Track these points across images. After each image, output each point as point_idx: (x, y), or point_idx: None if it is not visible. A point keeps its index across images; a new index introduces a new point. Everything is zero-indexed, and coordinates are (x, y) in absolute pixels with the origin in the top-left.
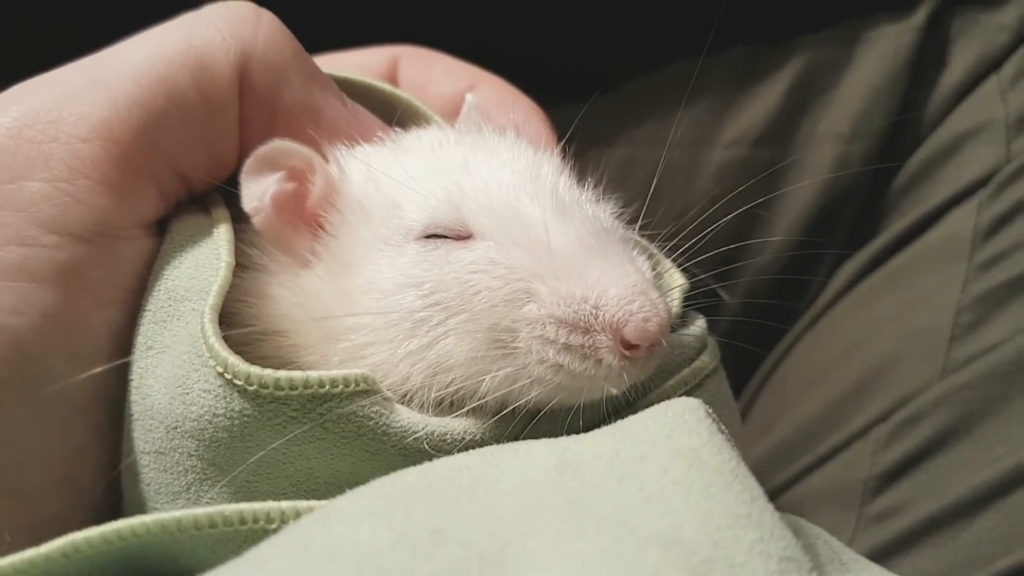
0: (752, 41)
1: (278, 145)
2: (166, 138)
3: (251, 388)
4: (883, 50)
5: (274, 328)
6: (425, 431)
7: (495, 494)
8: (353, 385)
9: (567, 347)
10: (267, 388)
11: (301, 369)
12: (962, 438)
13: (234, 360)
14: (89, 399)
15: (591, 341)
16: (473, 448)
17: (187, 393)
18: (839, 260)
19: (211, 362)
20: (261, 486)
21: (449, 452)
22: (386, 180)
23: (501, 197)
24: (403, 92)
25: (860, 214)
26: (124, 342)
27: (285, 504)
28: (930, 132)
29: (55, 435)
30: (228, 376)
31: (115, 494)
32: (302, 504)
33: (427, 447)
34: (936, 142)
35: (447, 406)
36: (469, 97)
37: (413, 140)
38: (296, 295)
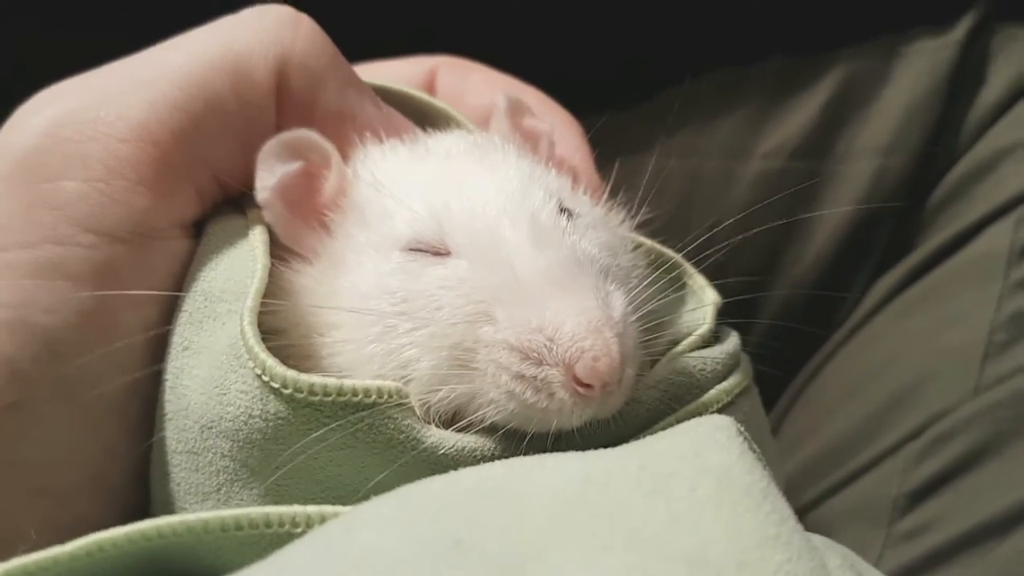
0: (789, 53)
1: (302, 135)
2: (204, 141)
3: (286, 392)
4: (922, 65)
5: (282, 325)
6: (455, 447)
7: (520, 505)
8: (386, 396)
9: (520, 376)
10: (301, 393)
11: (320, 368)
12: (993, 457)
13: (272, 363)
14: (122, 398)
15: (543, 374)
16: None
17: (224, 394)
18: (875, 275)
19: (250, 364)
20: (290, 490)
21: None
22: (385, 189)
23: (482, 218)
24: (438, 101)
25: (896, 229)
26: (159, 341)
27: (311, 508)
28: (968, 148)
29: (87, 434)
30: (265, 379)
31: (143, 495)
32: (328, 509)
33: (455, 463)
34: (974, 159)
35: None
36: (501, 99)
37: (431, 144)
38: (299, 289)
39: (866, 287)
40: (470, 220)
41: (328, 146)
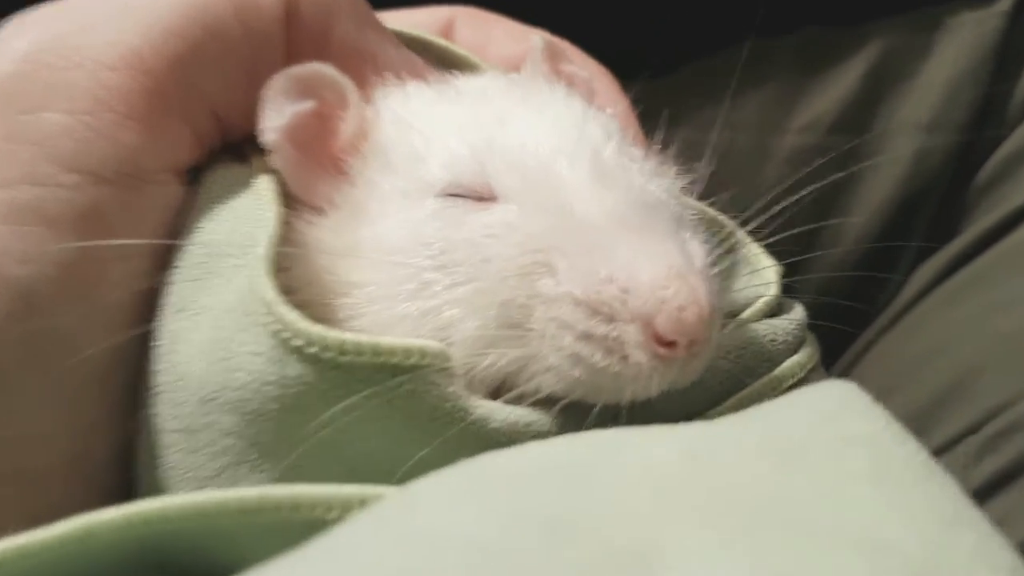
0: (822, 23)
1: (316, 69)
2: (203, 73)
3: (311, 351)
4: (966, 37)
5: (293, 285)
6: (506, 421)
7: (612, 482)
8: (430, 359)
9: (587, 336)
10: (330, 352)
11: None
12: None
13: (293, 317)
14: (105, 367)
15: (616, 332)
16: None
17: (230, 358)
18: (917, 259)
19: (266, 319)
20: (308, 472)
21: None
22: (414, 129)
23: (534, 157)
24: (460, 48)
25: (941, 210)
26: (148, 302)
27: (349, 489)
28: (1016, 125)
29: (65, 407)
30: (285, 336)
31: (127, 481)
32: (369, 490)
33: (507, 440)
34: (1022, 137)
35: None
36: (537, 39)
37: (460, 85)
38: (311, 244)
39: (909, 271)
40: (520, 159)
41: (346, 82)
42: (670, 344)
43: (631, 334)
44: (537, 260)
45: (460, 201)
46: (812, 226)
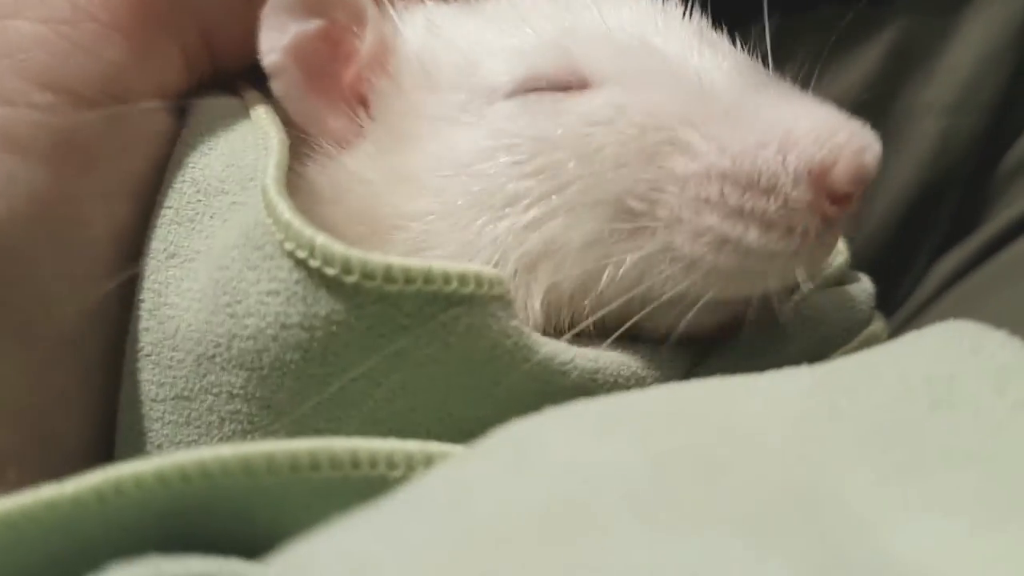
0: (842, 1)
1: None
2: None
3: (350, 280)
4: (993, 15)
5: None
6: (574, 362)
7: (744, 422)
8: (488, 286)
9: (739, 212)
10: (373, 280)
11: None
12: None
13: (325, 239)
14: (80, 327)
15: (781, 200)
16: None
17: (238, 302)
18: (939, 249)
19: (287, 246)
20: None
21: (599, 393)
22: (457, 35)
23: (625, 33)
24: None
25: (964, 198)
26: (132, 248)
27: (412, 444)
28: None
29: (32, 374)
30: (315, 264)
31: (107, 462)
32: (434, 447)
33: (578, 388)
34: None
35: (551, 323)
36: None
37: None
38: (333, 185)
39: (929, 264)
40: (611, 38)
41: None
42: (843, 198)
43: (799, 198)
44: (662, 139)
45: (543, 95)
46: None
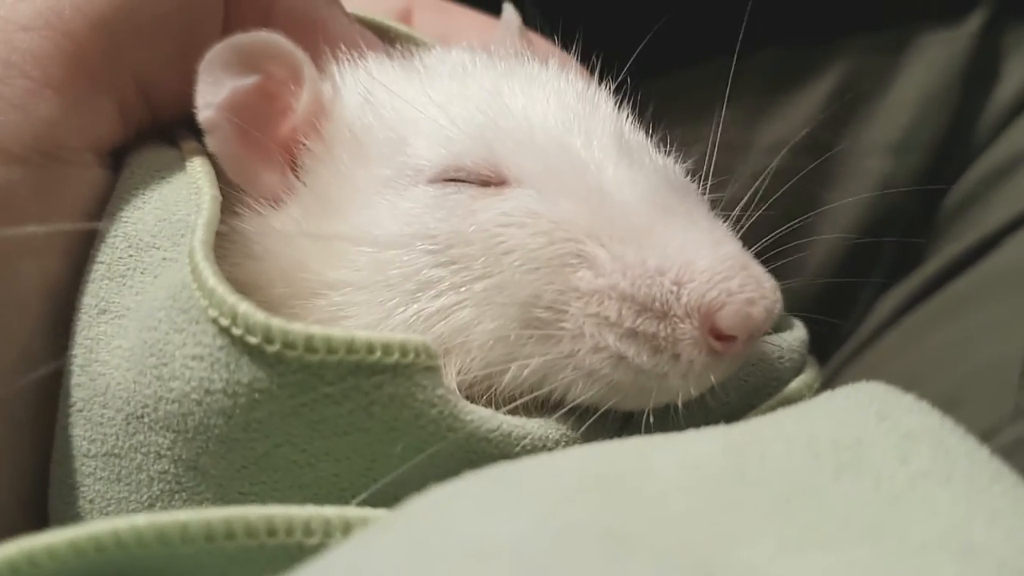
0: (788, 43)
1: (264, 38)
2: (132, 40)
3: (271, 348)
4: (935, 56)
5: (251, 282)
6: (501, 430)
7: (654, 489)
8: (413, 355)
9: (633, 334)
10: (295, 349)
11: None
12: None
13: (247, 308)
14: (11, 382)
15: (669, 329)
16: None
17: (164, 364)
18: (882, 286)
19: (210, 312)
20: (261, 503)
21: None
22: (390, 107)
23: (547, 135)
24: (422, 34)
25: (908, 234)
26: (63, 304)
27: (331, 511)
28: (985, 148)
29: None
30: (237, 332)
31: (39, 520)
32: (353, 512)
33: (503, 453)
34: (992, 159)
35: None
36: (508, 8)
37: (429, 61)
38: (261, 243)
39: (873, 299)
40: (532, 138)
41: (299, 53)
42: (728, 339)
43: (686, 330)
44: (569, 250)
45: (462, 187)
46: (777, 249)
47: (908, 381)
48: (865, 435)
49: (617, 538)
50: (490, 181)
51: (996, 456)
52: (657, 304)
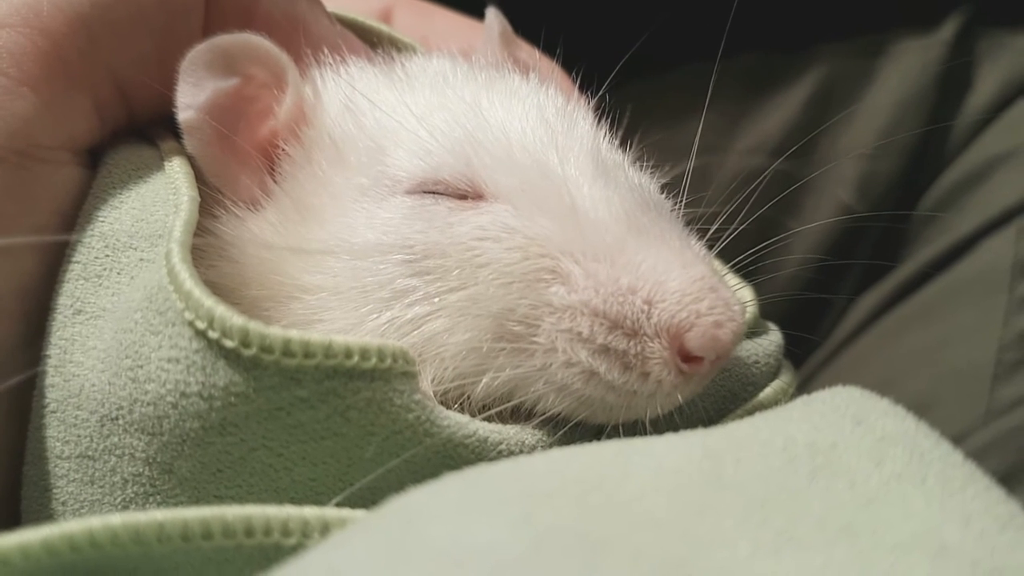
0: (765, 48)
1: (246, 40)
2: (110, 38)
3: (248, 352)
4: (910, 63)
5: (226, 284)
6: (477, 436)
7: (632, 492)
8: (390, 360)
9: (604, 350)
10: (271, 353)
11: None
12: (1015, 487)
13: (224, 311)
14: None
15: (639, 347)
16: None
17: (140, 366)
18: (857, 289)
19: (187, 315)
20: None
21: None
22: (370, 116)
23: (524, 151)
24: (403, 36)
25: (882, 239)
26: (38, 304)
27: (309, 511)
28: (958, 154)
29: None
30: (213, 335)
31: (11, 521)
32: (331, 513)
33: (477, 458)
34: (965, 165)
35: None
36: (491, 13)
37: (411, 68)
38: (238, 245)
39: (848, 302)
40: (509, 154)
41: (282, 56)
42: (695, 360)
43: (655, 350)
44: (543, 266)
45: (439, 199)
46: (753, 251)
47: (882, 384)
48: (841, 439)
49: (594, 542)
50: (467, 195)
51: (969, 460)
52: (628, 322)
